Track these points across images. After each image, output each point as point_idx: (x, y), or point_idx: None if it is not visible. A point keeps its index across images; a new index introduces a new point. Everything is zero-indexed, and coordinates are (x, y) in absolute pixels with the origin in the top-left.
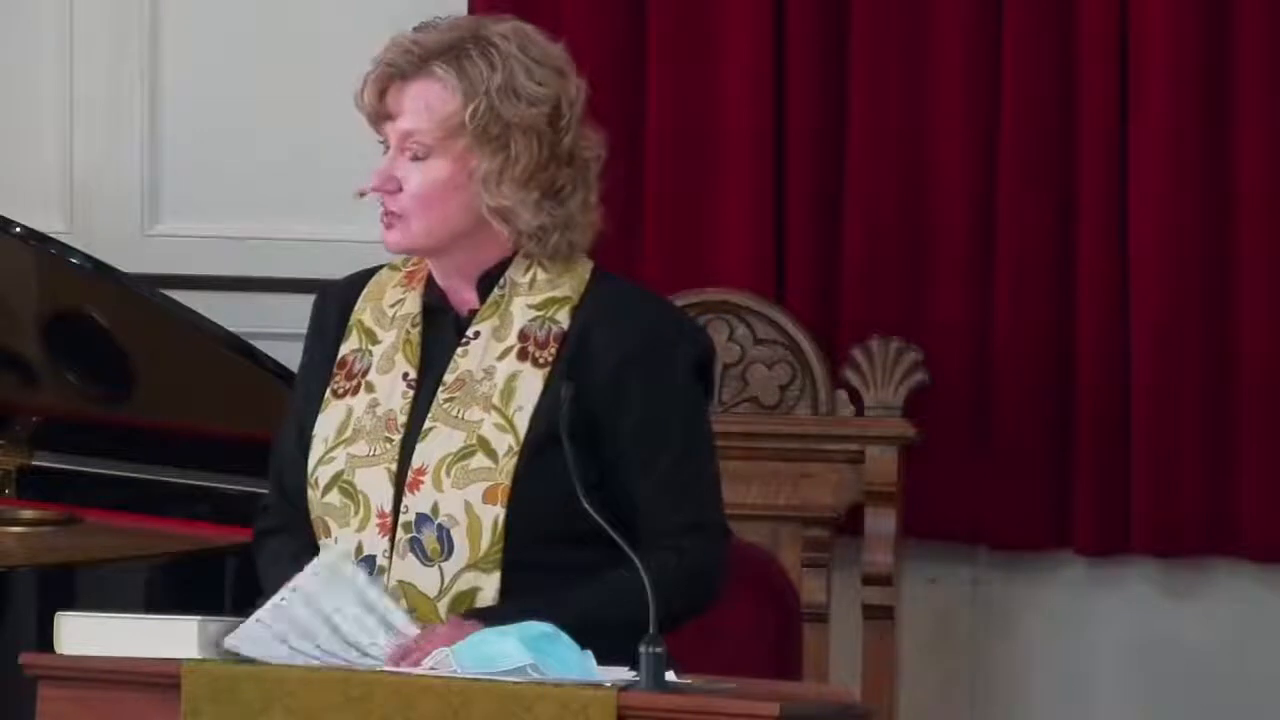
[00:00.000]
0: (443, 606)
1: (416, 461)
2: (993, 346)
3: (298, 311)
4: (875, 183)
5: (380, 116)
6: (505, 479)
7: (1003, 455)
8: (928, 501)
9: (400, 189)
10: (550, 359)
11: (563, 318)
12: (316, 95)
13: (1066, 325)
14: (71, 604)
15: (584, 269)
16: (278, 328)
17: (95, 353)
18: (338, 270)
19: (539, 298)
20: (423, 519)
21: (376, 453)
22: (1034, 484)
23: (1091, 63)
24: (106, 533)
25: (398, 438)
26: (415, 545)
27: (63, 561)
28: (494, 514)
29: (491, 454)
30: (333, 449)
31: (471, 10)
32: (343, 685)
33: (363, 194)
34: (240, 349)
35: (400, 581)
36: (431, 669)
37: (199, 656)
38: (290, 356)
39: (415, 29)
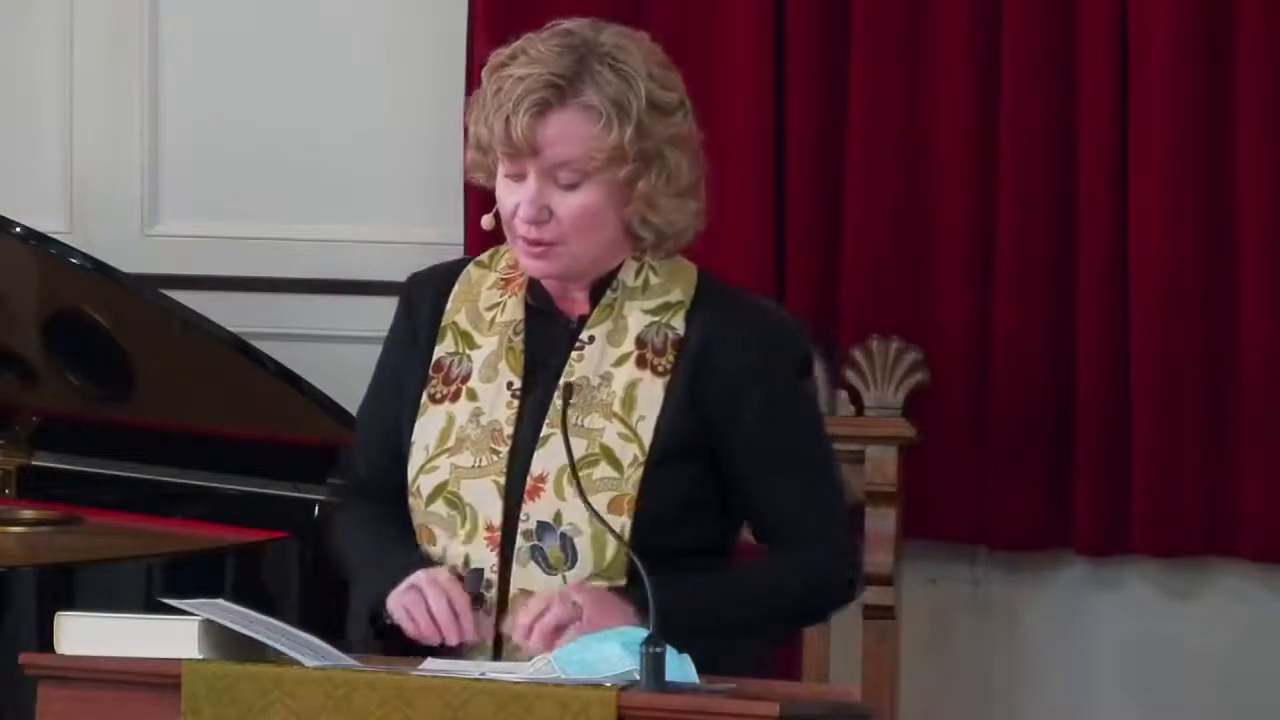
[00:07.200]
0: None
1: (536, 469)
2: (993, 346)
3: (298, 312)
4: (875, 183)
5: (526, 151)
6: (632, 489)
7: (1003, 455)
8: (928, 501)
9: (551, 217)
10: (669, 367)
11: (678, 324)
12: (316, 95)
13: (1066, 326)
14: (71, 604)
15: (689, 269)
16: (277, 328)
17: (95, 353)
18: (337, 270)
19: (653, 302)
20: (544, 527)
21: (483, 464)
22: (1034, 484)
23: (1091, 63)
24: (106, 533)
25: (505, 449)
26: (537, 554)
27: (63, 561)
28: (619, 524)
29: (616, 463)
30: (434, 458)
31: (472, 13)
32: (342, 685)
33: (488, 227)
34: (240, 349)
35: (521, 590)
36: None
37: (199, 656)
38: (290, 357)
39: (521, 51)
